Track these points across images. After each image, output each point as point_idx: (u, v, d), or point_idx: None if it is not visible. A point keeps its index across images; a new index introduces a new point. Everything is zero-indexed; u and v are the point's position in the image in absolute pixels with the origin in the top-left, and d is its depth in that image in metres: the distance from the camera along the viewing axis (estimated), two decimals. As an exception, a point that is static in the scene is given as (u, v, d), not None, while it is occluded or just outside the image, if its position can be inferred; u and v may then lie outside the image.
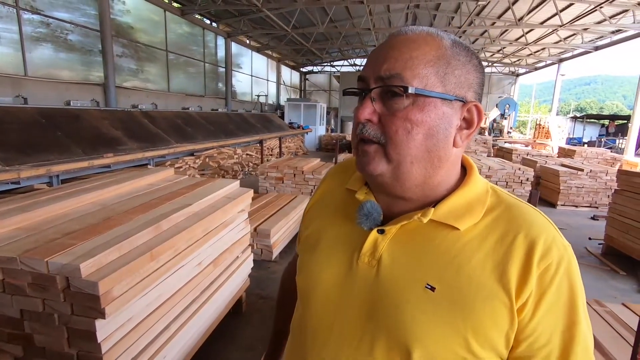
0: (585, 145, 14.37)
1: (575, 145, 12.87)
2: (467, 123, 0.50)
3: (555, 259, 0.46)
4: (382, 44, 0.51)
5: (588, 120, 21.09)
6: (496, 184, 6.63)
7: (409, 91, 0.46)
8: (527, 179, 6.15)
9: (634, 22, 10.65)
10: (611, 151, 10.92)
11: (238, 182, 2.47)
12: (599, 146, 14.17)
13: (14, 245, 1.30)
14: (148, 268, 1.44)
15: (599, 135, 19.29)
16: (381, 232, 0.53)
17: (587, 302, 2.36)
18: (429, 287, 0.48)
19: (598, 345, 1.89)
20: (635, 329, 1.58)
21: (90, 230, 1.46)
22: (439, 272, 0.48)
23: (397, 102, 0.47)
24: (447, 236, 0.50)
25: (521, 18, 11.61)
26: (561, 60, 17.02)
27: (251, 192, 2.44)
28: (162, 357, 1.55)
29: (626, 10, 10.40)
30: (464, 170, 0.56)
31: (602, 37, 13.32)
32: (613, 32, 12.62)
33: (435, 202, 0.52)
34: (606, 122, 20.31)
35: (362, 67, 0.70)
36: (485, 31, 14.97)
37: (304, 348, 0.58)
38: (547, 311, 0.45)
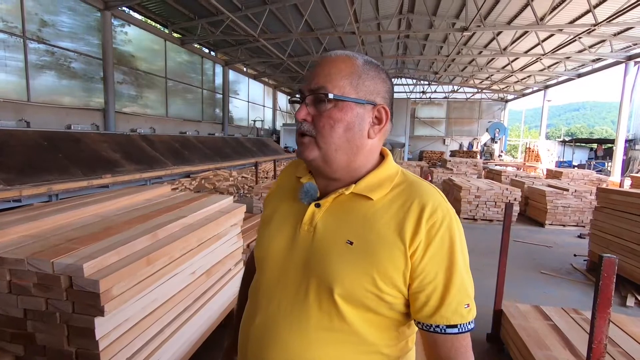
0: (575, 168, 14.71)
1: (565, 168, 13.18)
2: (378, 120, 0.67)
3: (439, 218, 0.62)
4: (315, 65, 0.68)
5: (577, 144, 21.64)
6: (485, 203, 6.61)
7: (330, 97, 0.63)
8: (515, 199, 6.33)
9: (611, 51, 11.24)
10: (597, 172, 11.21)
11: (231, 197, 2.60)
12: (588, 169, 14.51)
13: (21, 250, 1.42)
14: (144, 272, 1.55)
15: (589, 158, 19.76)
16: (318, 206, 0.69)
17: (565, 311, 2.44)
18: (349, 242, 0.64)
19: (572, 349, 1.98)
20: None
21: (92, 237, 1.58)
22: (356, 231, 0.64)
23: (323, 106, 0.65)
24: (364, 205, 0.67)
25: (505, 48, 12.21)
26: (547, 87, 17.71)
27: (244, 207, 2.57)
28: (156, 359, 1.63)
29: (604, 40, 11.01)
30: (383, 157, 0.73)
31: (584, 65, 13.98)
32: (594, 61, 13.28)
33: (357, 181, 0.68)
34: (594, 145, 20.86)
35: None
36: (473, 59, 15.64)
37: (256, 305, 0.71)
38: (432, 255, 0.61)
